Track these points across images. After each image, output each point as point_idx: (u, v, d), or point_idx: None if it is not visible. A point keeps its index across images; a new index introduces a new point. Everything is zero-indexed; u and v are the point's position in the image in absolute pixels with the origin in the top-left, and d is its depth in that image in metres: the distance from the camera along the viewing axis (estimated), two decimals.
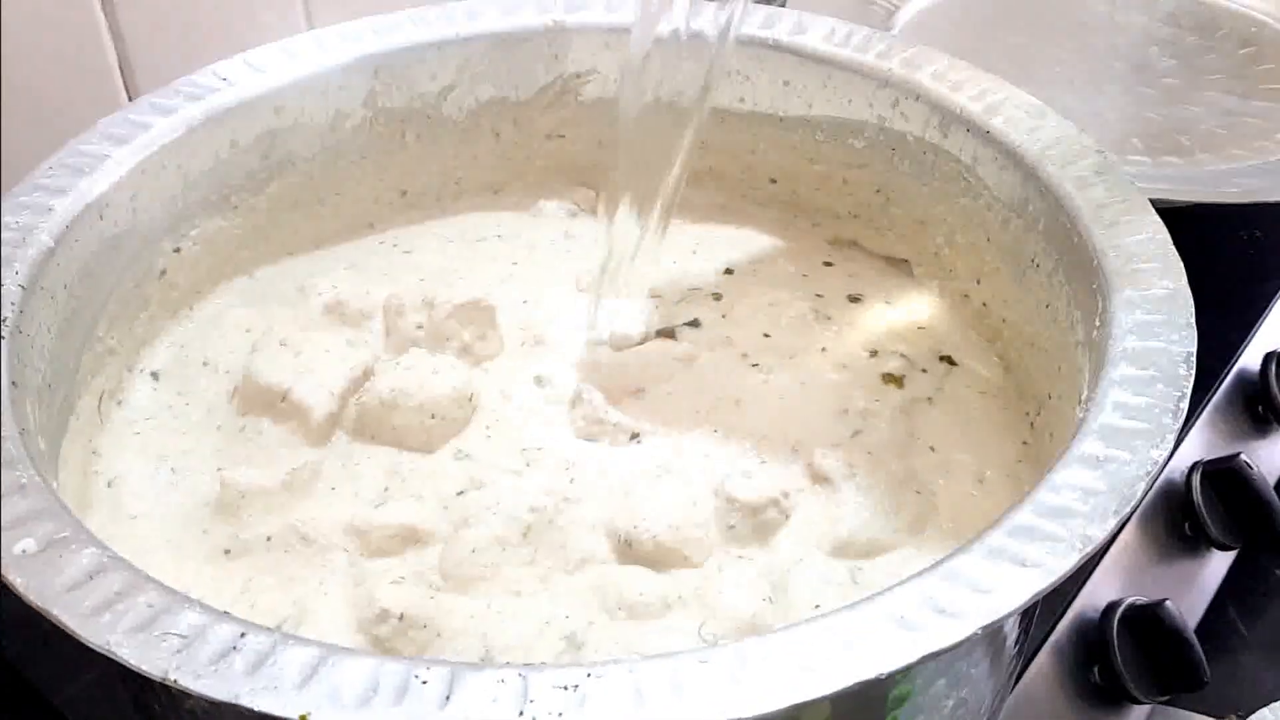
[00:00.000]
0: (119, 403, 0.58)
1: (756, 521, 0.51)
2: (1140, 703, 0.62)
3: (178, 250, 0.62)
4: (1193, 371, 0.46)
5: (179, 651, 0.35)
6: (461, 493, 0.53)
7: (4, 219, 0.52)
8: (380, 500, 0.53)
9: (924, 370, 0.61)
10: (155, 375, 0.60)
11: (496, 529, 0.50)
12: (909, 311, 0.65)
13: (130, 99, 0.76)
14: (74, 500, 0.50)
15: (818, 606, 0.48)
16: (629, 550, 0.50)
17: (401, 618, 0.47)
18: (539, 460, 0.54)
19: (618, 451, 0.55)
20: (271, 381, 0.56)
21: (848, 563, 0.51)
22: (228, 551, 0.51)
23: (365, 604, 0.48)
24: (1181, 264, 0.51)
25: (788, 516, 0.52)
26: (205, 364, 0.60)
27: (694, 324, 0.63)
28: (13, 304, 0.49)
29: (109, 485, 0.54)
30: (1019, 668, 0.58)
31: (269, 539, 0.51)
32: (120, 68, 0.75)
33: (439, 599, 0.48)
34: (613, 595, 0.48)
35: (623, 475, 0.54)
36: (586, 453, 0.55)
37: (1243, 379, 0.78)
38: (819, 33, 0.68)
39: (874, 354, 0.61)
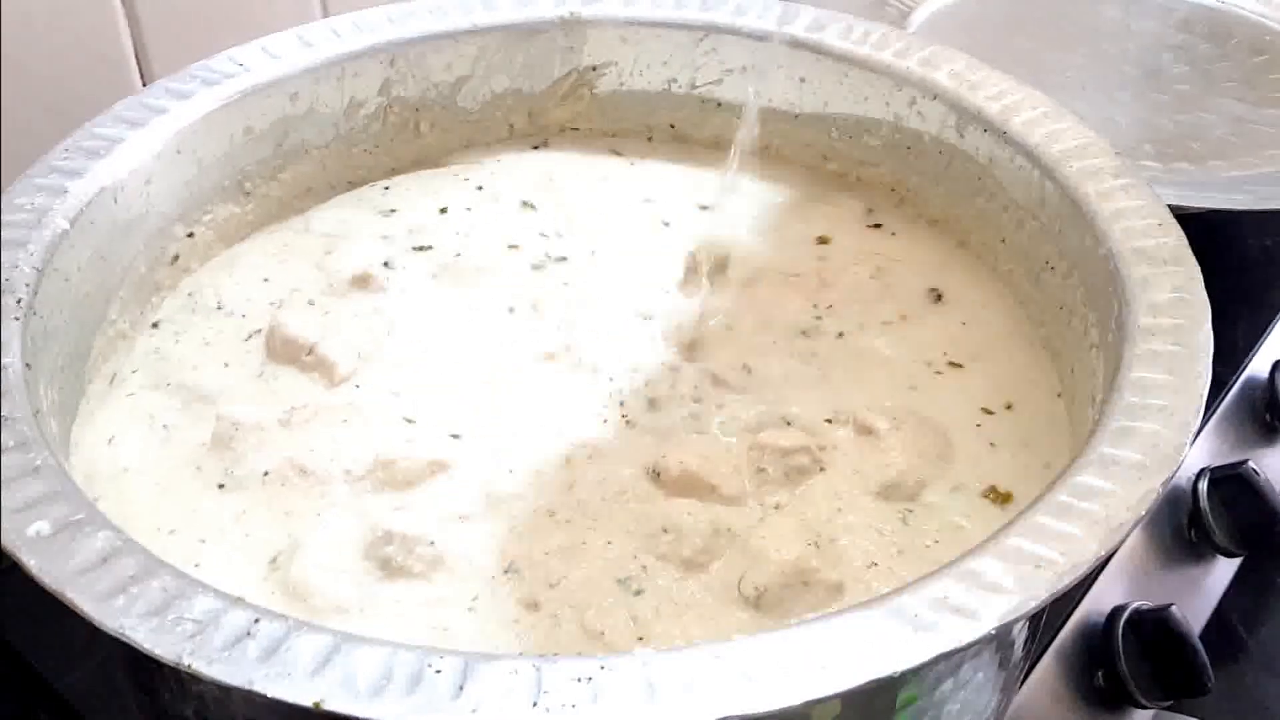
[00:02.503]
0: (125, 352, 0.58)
1: (787, 465, 0.51)
2: (1144, 707, 0.62)
3: (190, 235, 0.61)
4: (1209, 378, 0.45)
5: (193, 636, 0.35)
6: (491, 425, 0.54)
7: (19, 200, 0.52)
8: (399, 434, 0.53)
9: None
10: (156, 325, 0.60)
11: (533, 460, 0.51)
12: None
13: (145, 84, 0.75)
14: (81, 475, 0.50)
15: (875, 565, 0.48)
16: (659, 480, 0.51)
17: (406, 538, 0.47)
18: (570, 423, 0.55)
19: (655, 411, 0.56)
20: (298, 334, 0.57)
21: (897, 505, 0.51)
22: (221, 486, 0.51)
23: (369, 529, 0.48)
24: (1199, 269, 0.51)
25: (823, 468, 0.52)
26: (219, 308, 0.60)
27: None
28: (27, 285, 0.49)
29: (109, 442, 0.53)
30: (1025, 670, 0.58)
31: (266, 473, 0.51)
32: (136, 53, 0.75)
33: (445, 520, 0.49)
34: (654, 522, 0.49)
35: (660, 431, 0.54)
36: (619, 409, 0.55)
37: (1251, 386, 0.77)
38: (836, 30, 0.68)
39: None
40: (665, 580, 0.47)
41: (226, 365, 0.57)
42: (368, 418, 0.54)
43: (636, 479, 0.51)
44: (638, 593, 0.47)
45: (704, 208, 0.68)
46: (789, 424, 0.54)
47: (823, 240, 0.66)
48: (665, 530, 0.49)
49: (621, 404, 0.55)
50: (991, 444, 0.54)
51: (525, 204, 0.68)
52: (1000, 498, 0.51)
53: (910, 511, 0.51)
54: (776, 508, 0.51)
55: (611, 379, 0.57)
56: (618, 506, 0.50)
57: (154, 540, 0.47)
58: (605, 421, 0.54)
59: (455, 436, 0.53)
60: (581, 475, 0.51)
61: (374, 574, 0.47)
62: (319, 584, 0.46)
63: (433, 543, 0.48)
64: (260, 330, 0.58)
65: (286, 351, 0.57)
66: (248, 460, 0.52)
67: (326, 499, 0.50)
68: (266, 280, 0.62)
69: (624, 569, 0.48)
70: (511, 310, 0.60)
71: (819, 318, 0.61)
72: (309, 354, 0.56)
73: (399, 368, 0.57)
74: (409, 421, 0.54)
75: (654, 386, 0.56)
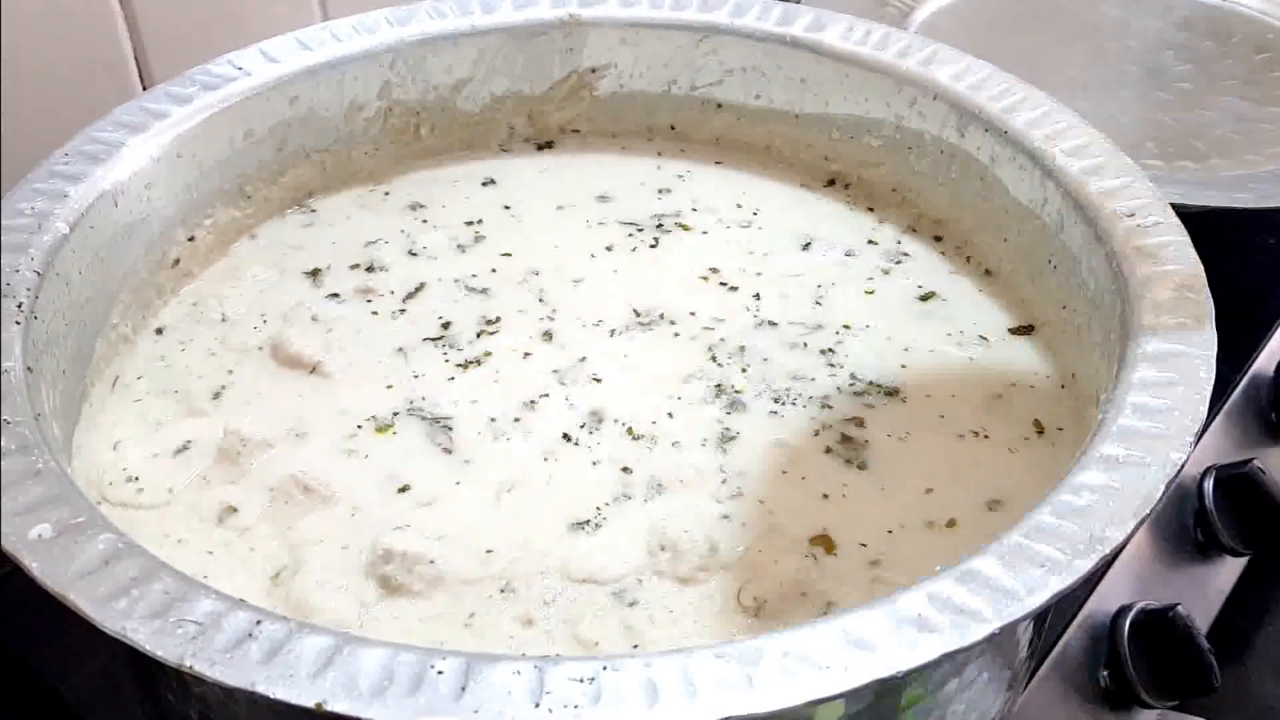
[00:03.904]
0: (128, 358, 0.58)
1: None
2: (1150, 707, 0.62)
3: (191, 239, 0.61)
4: (1213, 375, 0.45)
5: (195, 638, 0.35)
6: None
7: (20, 205, 0.52)
8: (399, 452, 0.53)
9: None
10: (160, 331, 0.60)
11: (531, 479, 0.52)
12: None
13: (145, 89, 0.75)
14: (85, 480, 0.50)
15: (875, 563, 0.48)
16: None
17: (406, 556, 0.47)
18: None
19: None
20: (302, 351, 0.57)
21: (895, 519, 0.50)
22: (227, 503, 0.51)
23: (370, 547, 0.48)
24: (1202, 268, 0.50)
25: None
26: (224, 319, 0.60)
27: None
28: (28, 289, 0.49)
29: (114, 448, 0.53)
30: (1030, 670, 0.58)
31: (271, 489, 0.51)
32: (135, 57, 0.75)
33: (445, 539, 0.49)
34: (651, 539, 0.49)
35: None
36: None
37: (1256, 385, 0.77)
38: (837, 30, 0.67)
39: None
40: (661, 592, 0.47)
41: (232, 376, 0.57)
42: (369, 436, 0.54)
43: (633, 490, 0.51)
44: (632, 604, 0.47)
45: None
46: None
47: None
48: (663, 548, 0.49)
49: (629, 429, 0.55)
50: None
51: (527, 208, 0.68)
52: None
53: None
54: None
55: (622, 398, 0.56)
56: (615, 523, 0.50)
57: (160, 548, 0.47)
58: (611, 444, 0.54)
59: (455, 453, 0.53)
60: (581, 494, 0.51)
61: (374, 592, 0.47)
62: (320, 601, 0.46)
63: (432, 561, 0.48)
64: (265, 344, 0.58)
65: (291, 368, 0.57)
66: (253, 475, 0.52)
67: (328, 517, 0.50)
68: (268, 291, 0.62)
69: (619, 583, 0.48)
70: (517, 321, 0.60)
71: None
72: (313, 371, 0.57)
73: (401, 383, 0.56)
74: (409, 440, 0.54)
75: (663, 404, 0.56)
